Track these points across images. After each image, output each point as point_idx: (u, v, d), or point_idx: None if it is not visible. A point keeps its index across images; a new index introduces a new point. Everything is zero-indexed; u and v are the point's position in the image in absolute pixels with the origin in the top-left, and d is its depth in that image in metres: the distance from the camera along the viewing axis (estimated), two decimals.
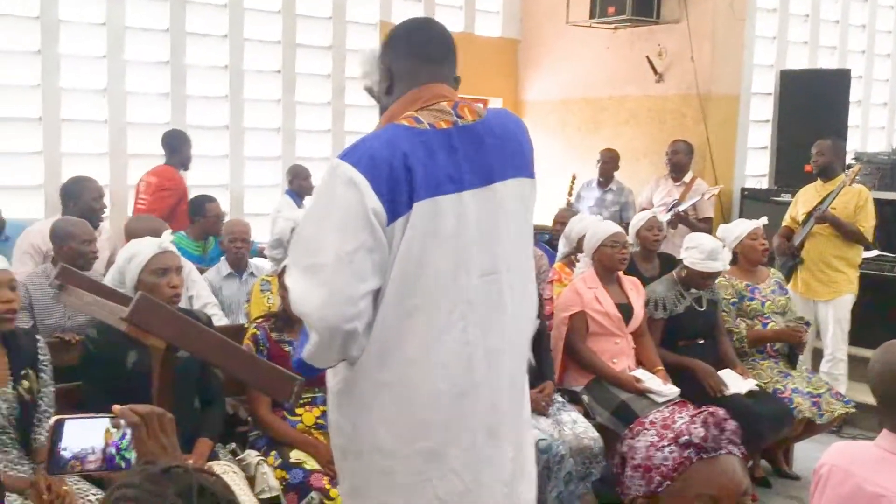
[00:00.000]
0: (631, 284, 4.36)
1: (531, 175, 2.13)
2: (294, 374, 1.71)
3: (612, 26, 7.84)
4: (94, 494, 2.81)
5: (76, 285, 1.71)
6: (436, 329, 1.99)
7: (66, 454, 1.42)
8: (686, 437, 1.46)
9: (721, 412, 1.48)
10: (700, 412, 1.49)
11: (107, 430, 1.43)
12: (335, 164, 1.96)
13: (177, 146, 6.38)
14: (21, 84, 6.46)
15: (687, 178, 6.75)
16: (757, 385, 4.34)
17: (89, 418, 1.46)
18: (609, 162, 7.10)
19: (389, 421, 2.02)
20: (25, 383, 2.85)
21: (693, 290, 4.43)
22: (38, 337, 3.03)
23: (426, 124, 2.01)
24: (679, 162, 6.75)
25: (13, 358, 2.85)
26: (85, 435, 1.43)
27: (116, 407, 1.39)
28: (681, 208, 6.47)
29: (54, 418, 1.44)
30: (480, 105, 2.16)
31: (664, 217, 6.06)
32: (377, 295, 1.96)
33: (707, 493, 1.43)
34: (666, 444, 1.47)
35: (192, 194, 6.49)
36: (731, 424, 1.47)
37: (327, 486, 3.11)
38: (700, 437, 1.45)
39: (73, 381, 3.24)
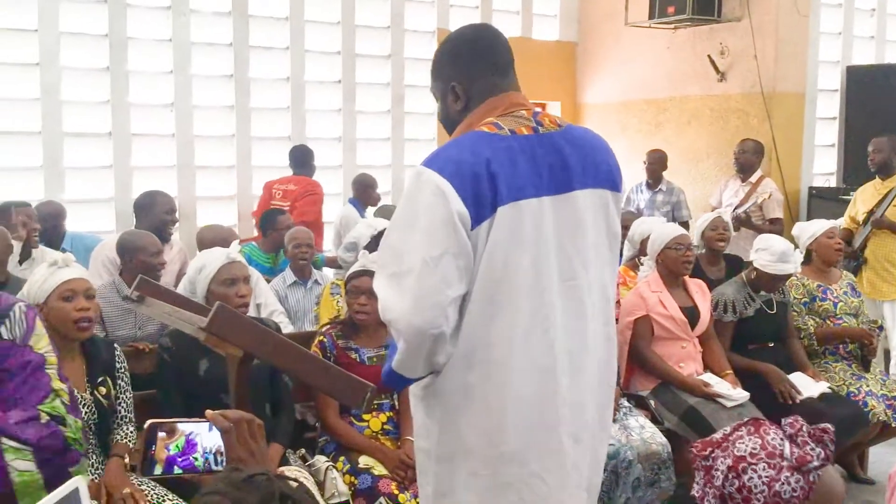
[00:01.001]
0: (696, 287, 4.30)
1: (615, 188, 2.15)
2: (366, 381, 1.73)
3: (672, 26, 7.75)
4: (171, 500, 2.88)
5: (154, 296, 1.76)
6: (520, 332, 2.00)
7: (159, 458, 1.47)
8: (810, 461, 1.42)
9: (826, 426, 1.45)
10: (799, 429, 1.45)
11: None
12: (419, 170, 1.99)
13: (304, 160, 6.82)
14: (92, 100, 6.66)
15: (753, 178, 6.64)
16: (829, 388, 4.25)
17: (183, 422, 1.50)
18: (655, 163, 7.04)
19: (475, 423, 2.04)
20: (103, 389, 2.94)
21: (763, 293, 4.35)
22: (115, 345, 3.12)
23: (507, 130, 2.05)
24: (747, 161, 6.64)
25: (91, 365, 2.95)
26: (199, 439, 1.48)
27: (209, 412, 1.42)
28: (742, 209, 6.36)
29: (148, 422, 1.48)
30: (562, 120, 2.18)
31: (726, 217, 5.97)
32: (463, 299, 1.98)
33: None
34: (788, 474, 1.44)
35: (255, 205, 6.63)
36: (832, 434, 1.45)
37: (395, 492, 3.13)
38: (822, 457, 1.42)
39: (148, 389, 3.32)
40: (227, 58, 7.13)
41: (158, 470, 1.48)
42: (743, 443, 1.51)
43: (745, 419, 1.56)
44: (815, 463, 1.42)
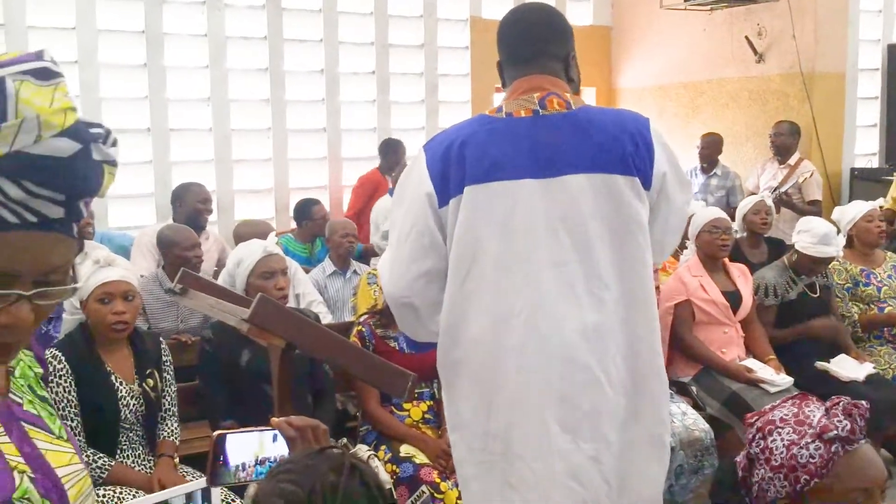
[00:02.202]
0: (738, 271, 4.26)
1: (628, 172, 2.02)
2: (407, 370, 1.74)
3: (708, 8, 7.64)
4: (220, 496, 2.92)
5: (197, 288, 1.78)
6: (501, 313, 1.99)
7: (227, 467, 1.50)
8: (832, 431, 1.41)
9: (860, 402, 1.43)
10: (836, 403, 1.44)
11: (262, 443, 1.51)
12: (418, 152, 2.13)
13: (388, 152, 6.90)
14: (130, 97, 6.74)
15: (792, 161, 6.54)
16: (875, 369, 4.18)
17: (248, 432, 1.54)
18: (709, 146, 6.93)
19: (466, 397, 2.07)
20: (150, 382, 2.98)
21: (805, 276, 4.29)
22: (161, 339, 3.17)
23: (504, 113, 2.07)
24: (783, 143, 6.54)
25: (139, 358, 3.00)
26: (244, 448, 1.50)
27: (275, 420, 1.48)
28: (782, 190, 6.27)
29: (216, 433, 1.52)
30: (578, 100, 2.11)
31: (769, 201, 5.89)
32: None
33: (859, 487, 1.38)
34: (809, 440, 1.42)
35: (293, 197, 6.68)
36: (868, 413, 1.42)
37: (437, 480, 3.15)
38: (847, 429, 1.40)
39: (191, 381, 3.37)
40: (261, 51, 7.17)
41: (227, 479, 1.51)
42: (781, 410, 1.50)
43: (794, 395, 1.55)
44: (838, 433, 1.40)
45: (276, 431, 1.47)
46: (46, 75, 0.97)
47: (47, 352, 2.85)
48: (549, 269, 1.99)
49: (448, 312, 2.05)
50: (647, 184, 2.05)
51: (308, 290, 4.73)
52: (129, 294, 2.92)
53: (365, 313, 3.70)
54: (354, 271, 5.08)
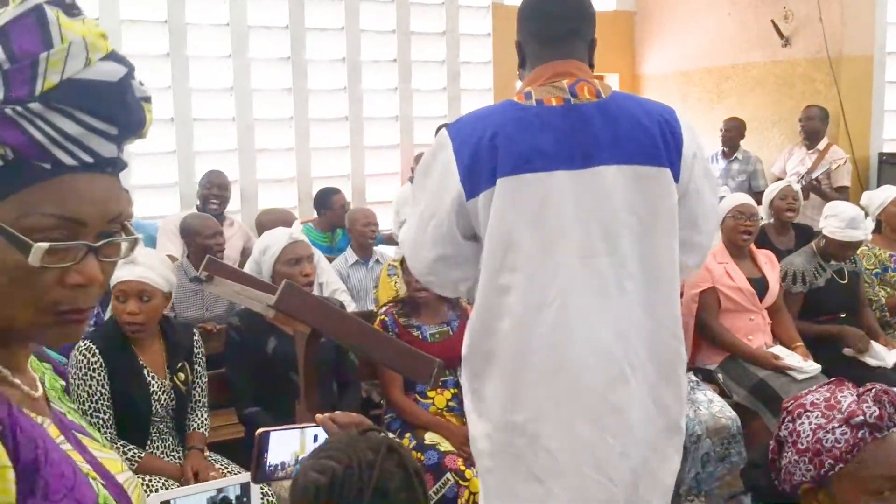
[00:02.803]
0: (765, 258, 4.21)
1: (659, 163, 2.00)
2: (433, 357, 1.74)
3: None
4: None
5: (222, 275, 1.78)
6: (532, 306, 1.98)
7: (271, 464, 1.51)
8: (860, 416, 1.39)
9: (892, 389, 1.41)
10: (868, 390, 1.42)
11: (304, 443, 1.53)
12: (441, 133, 2.10)
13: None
14: (154, 86, 6.76)
15: (821, 146, 6.45)
16: None
17: (292, 429, 1.56)
18: (732, 130, 6.86)
19: (493, 388, 2.05)
20: (182, 375, 2.99)
21: (833, 262, 4.24)
22: (194, 329, 3.17)
23: (534, 101, 2.01)
24: (813, 128, 6.45)
25: (171, 351, 3.00)
26: (287, 445, 1.52)
27: (319, 416, 1.50)
28: (813, 176, 6.19)
29: (260, 431, 1.54)
30: (607, 86, 2.08)
31: (797, 186, 5.82)
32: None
33: (885, 474, 1.36)
34: (836, 425, 1.40)
35: (316, 186, 6.68)
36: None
37: (462, 468, 3.15)
38: (875, 415, 1.38)
39: (216, 369, 3.39)
40: (283, 40, 7.18)
41: (269, 476, 1.54)
42: (814, 394, 1.48)
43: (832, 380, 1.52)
44: (866, 419, 1.37)
45: (319, 430, 1.48)
46: (73, 10, 0.91)
47: (79, 343, 2.88)
48: (579, 261, 1.98)
49: (481, 304, 2.03)
50: (676, 175, 2.03)
51: (332, 278, 4.74)
52: (145, 295, 2.87)
53: (388, 302, 3.70)
54: (377, 260, 5.08)
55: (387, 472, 1.27)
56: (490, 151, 1.97)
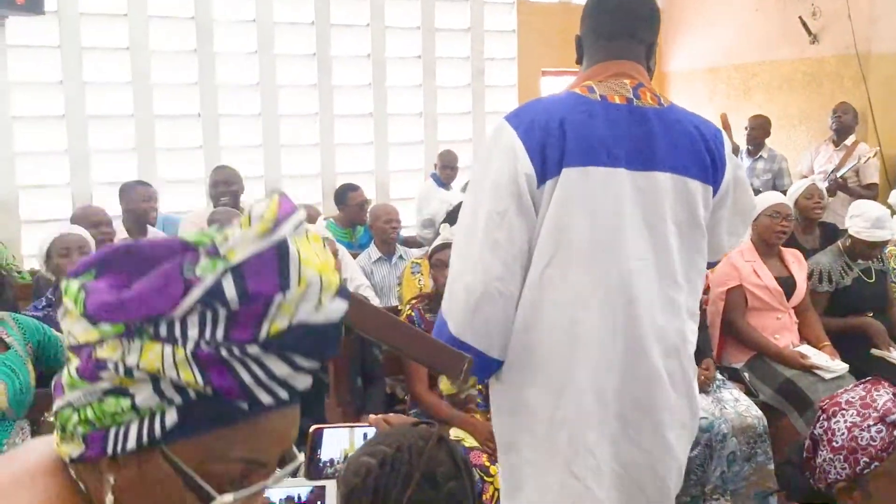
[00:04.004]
0: (792, 257, 4.17)
1: (707, 181, 2.04)
2: (463, 352, 1.73)
3: None
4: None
5: None
6: (580, 301, 1.96)
7: (323, 460, 1.54)
8: (895, 415, 1.38)
9: None
10: None
11: (353, 441, 1.56)
12: (499, 124, 1.99)
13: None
14: (181, 83, 6.82)
15: (848, 142, 6.38)
16: None
17: (344, 427, 1.59)
18: (757, 129, 6.80)
19: (533, 383, 2.03)
20: None
21: (860, 261, 4.20)
22: None
23: (598, 95, 2.01)
24: (846, 124, 6.38)
25: None
26: (338, 443, 1.54)
27: (372, 417, 1.52)
28: (840, 173, 6.13)
29: (313, 427, 1.57)
30: (665, 97, 2.11)
31: (823, 184, 5.76)
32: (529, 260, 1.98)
33: None
34: (871, 423, 1.40)
35: (340, 182, 6.71)
36: None
37: (486, 464, 3.14)
38: None
39: None
40: (309, 36, 7.21)
41: (321, 473, 1.55)
42: (850, 393, 1.48)
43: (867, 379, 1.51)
44: None
45: (370, 430, 1.50)
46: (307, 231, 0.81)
47: None
48: (629, 263, 1.97)
49: (526, 295, 1.99)
50: (715, 193, 2.08)
51: (355, 274, 4.75)
52: None
53: (413, 298, 3.70)
54: (400, 256, 5.09)
55: (436, 460, 1.29)
56: (559, 137, 1.93)
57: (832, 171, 6.20)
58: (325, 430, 1.56)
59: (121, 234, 4.92)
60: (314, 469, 1.55)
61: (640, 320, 1.98)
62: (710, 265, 2.27)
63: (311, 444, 1.54)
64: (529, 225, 1.95)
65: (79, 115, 6.42)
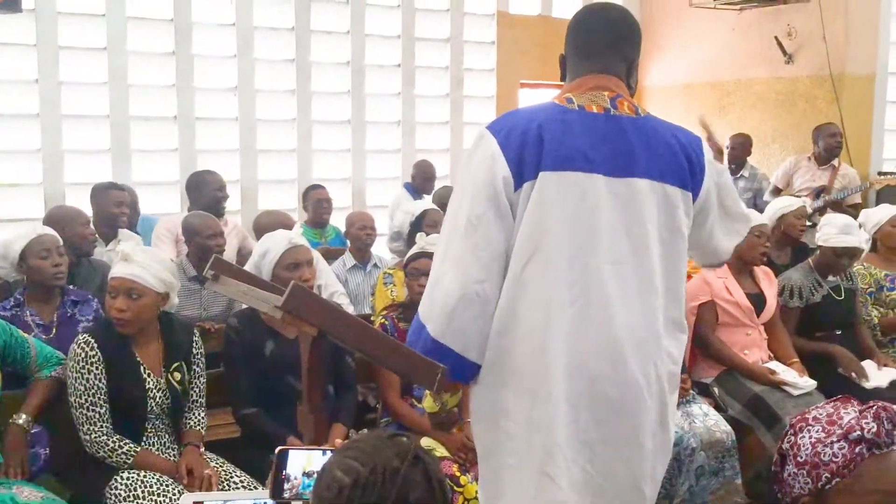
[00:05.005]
0: (763, 274, 4.22)
1: (685, 188, 2.08)
2: (437, 362, 1.74)
3: (738, 7, 7.60)
4: (239, 476, 2.94)
5: (228, 275, 1.79)
6: (556, 303, 1.99)
7: (289, 481, 1.54)
8: (857, 432, 1.40)
9: (892, 406, 1.42)
10: (870, 406, 1.43)
11: (311, 458, 1.56)
12: (480, 132, 2.07)
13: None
14: (158, 84, 6.78)
15: (835, 163, 6.46)
16: None
17: (310, 450, 1.60)
18: (738, 147, 6.87)
19: (509, 385, 2.05)
20: (177, 375, 2.99)
21: (831, 279, 4.26)
22: (194, 330, 3.17)
23: (576, 105, 2.06)
24: (837, 146, 6.44)
25: (168, 349, 3.00)
26: (306, 464, 1.56)
27: (338, 441, 1.54)
28: (840, 198, 6.21)
29: (279, 449, 1.58)
30: (643, 108, 2.15)
31: (815, 204, 5.85)
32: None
33: (881, 489, 1.37)
34: (835, 440, 1.42)
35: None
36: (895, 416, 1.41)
37: (457, 474, 3.14)
38: (873, 432, 1.39)
39: (215, 368, 3.39)
40: (288, 42, 7.20)
41: (286, 493, 1.57)
42: (819, 410, 1.50)
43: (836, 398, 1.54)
44: (863, 435, 1.39)
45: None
46: None
47: (79, 337, 2.88)
48: (607, 267, 2.01)
49: (504, 298, 2.02)
50: (695, 199, 2.12)
51: (330, 280, 4.73)
52: (134, 292, 2.85)
53: (388, 306, 3.70)
54: (375, 264, 5.08)
55: (410, 482, 1.27)
56: (536, 143, 1.98)
57: (820, 192, 6.27)
58: (290, 452, 1.57)
59: None
60: (279, 490, 1.55)
61: (614, 323, 2.00)
62: (711, 266, 2.35)
63: (277, 464, 1.55)
64: (507, 228, 2.00)
65: (53, 114, 6.37)
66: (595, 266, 2.00)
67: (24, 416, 2.86)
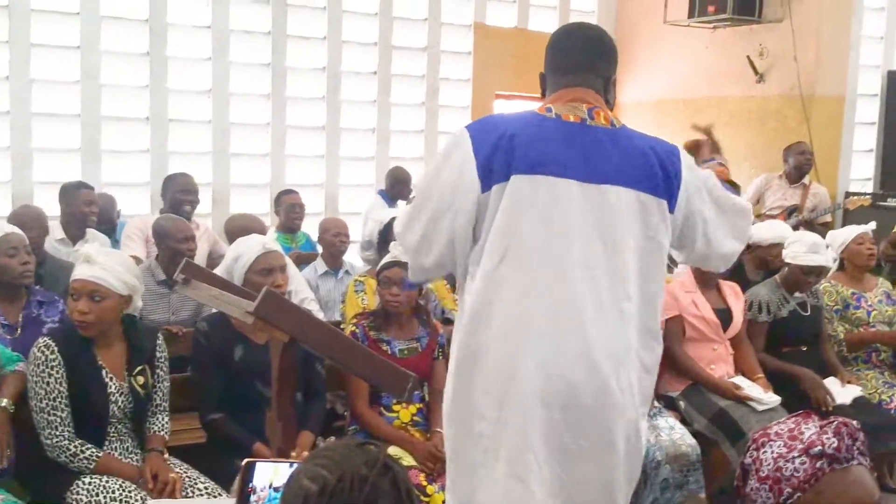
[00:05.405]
0: (730, 290, 4.27)
1: (660, 195, 2.11)
2: (407, 371, 1.75)
3: (712, 25, 7.69)
4: (203, 482, 2.91)
5: (199, 279, 1.78)
6: (528, 304, 2.03)
7: (255, 493, 1.54)
8: (818, 447, 1.42)
9: (851, 421, 1.45)
10: (830, 422, 1.46)
11: (278, 470, 1.56)
12: (458, 130, 2.16)
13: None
14: (131, 85, 6.72)
15: (806, 181, 6.56)
16: (861, 392, 4.21)
17: (277, 462, 1.61)
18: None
19: (480, 384, 2.07)
20: (140, 378, 2.95)
21: (797, 295, 4.32)
22: (159, 334, 3.14)
23: (553, 114, 2.13)
24: (808, 165, 6.55)
25: (131, 353, 2.97)
26: (273, 477, 1.56)
27: (305, 454, 1.51)
28: (814, 218, 6.31)
29: (245, 461, 1.58)
30: (619, 120, 2.21)
31: (788, 222, 5.95)
32: (476, 261, 2.09)
33: None
34: (796, 455, 1.44)
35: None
36: (861, 434, 1.43)
37: (423, 483, 3.14)
38: (833, 447, 1.42)
39: (181, 372, 3.36)
40: (264, 46, 7.18)
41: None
42: (781, 425, 1.52)
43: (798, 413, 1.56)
44: (824, 450, 1.41)
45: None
46: None
47: (39, 340, 2.84)
48: (579, 270, 2.04)
49: (476, 297, 2.07)
50: (672, 207, 2.14)
51: (301, 286, 4.71)
52: (97, 295, 2.82)
53: (359, 314, 3.69)
54: (346, 271, 5.07)
55: (378, 490, 1.27)
56: (508, 149, 2.05)
57: (792, 211, 6.36)
58: (257, 464, 1.56)
59: (57, 235, 4.82)
60: (244, 501, 1.55)
61: (586, 326, 2.03)
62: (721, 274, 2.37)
63: (244, 477, 1.54)
64: (468, 222, 2.08)
65: (24, 111, 6.29)
66: (567, 269, 2.04)
67: (5, 400, 2.82)
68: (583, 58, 2.20)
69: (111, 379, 2.88)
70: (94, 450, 2.82)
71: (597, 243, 2.06)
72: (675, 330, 4.08)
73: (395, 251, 3.56)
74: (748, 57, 7.51)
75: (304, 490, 1.29)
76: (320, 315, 4.61)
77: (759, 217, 6.54)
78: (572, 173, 2.06)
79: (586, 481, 2.07)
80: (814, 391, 4.09)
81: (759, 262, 4.86)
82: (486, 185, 2.05)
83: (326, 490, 1.27)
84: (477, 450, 2.09)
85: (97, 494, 2.73)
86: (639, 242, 2.10)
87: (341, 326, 3.80)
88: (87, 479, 2.76)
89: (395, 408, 3.41)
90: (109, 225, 5.47)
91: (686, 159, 2.22)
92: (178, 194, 5.14)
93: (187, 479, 2.89)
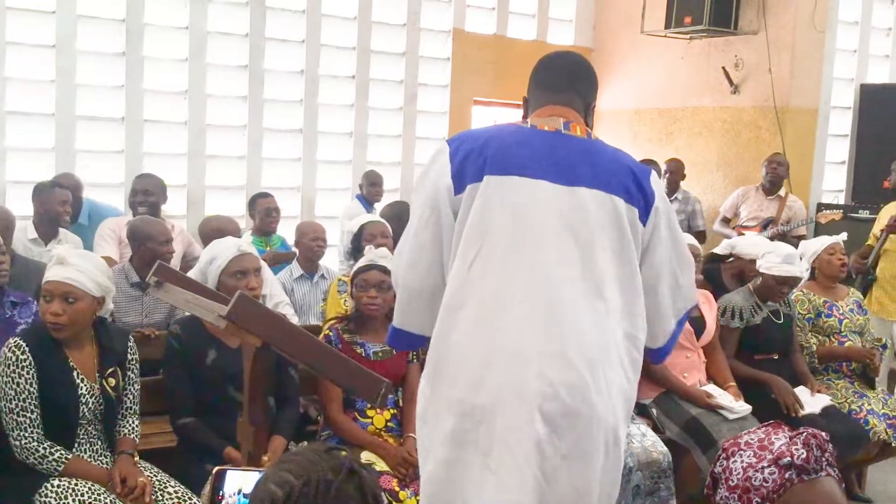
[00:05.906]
0: (703, 298, 4.30)
1: (631, 203, 2.15)
2: (381, 376, 1.75)
3: (688, 36, 7.76)
4: (173, 486, 2.89)
5: (172, 282, 1.77)
6: (503, 299, 2.06)
7: (224, 499, 1.54)
8: (787, 458, 1.44)
9: (820, 432, 1.46)
10: (800, 433, 1.47)
11: (247, 478, 1.57)
12: (440, 145, 2.25)
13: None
14: (106, 85, 6.67)
15: (782, 192, 6.63)
16: (831, 401, 4.26)
17: (248, 471, 1.63)
18: (675, 172, 7.04)
19: (453, 379, 2.09)
20: (112, 381, 2.93)
21: (770, 304, 4.36)
22: (130, 336, 3.11)
23: (529, 124, 2.22)
24: (782, 175, 6.62)
25: (102, 355, 2.94)
26: (243, 484, 1.55)
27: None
28: (788, 230, 6.38)
29: (216, 469, 1.60)
30: (594, 134, 2.27)
31: (763, 234, 6.01)
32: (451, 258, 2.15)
33: None
34: (765, 465, 1.45)
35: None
36: (831, 446, 1.45)
37: (396, 489, 3.13)
38: (803, 458, 1.43)
39: (153, 375, 3.34)
40: (242, 48, 7.15)
41: None
42: (751, 434, 1.54)
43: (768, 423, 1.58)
44: (793, 461, 1.43)
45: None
46: None
47: (10, 341, 2.81)
48: (554, 268, 2.08)
49: (452, 294, 2.12)
50: (643, 219, 2.18)
51: (276, 290, 4.69)
52: (71, 296, 2.80)
53: (333, 318, 3.68)
54: (322, 276, 5.05)
55: (344, 495, 1.27)
56: (481, 153, 2.13)
57: (768, 223, 6.43)
58: (227, 472, 1.57)
59: (30, 234, 4.78)
60: None
61: (563, 326, 2.05)
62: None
63: (214, 485, 1.55)
64: (447, 234, 2.14)
65: None
66: (541, 266, 2.07)
67: None
68: (564, 79, 2.30)
69: (82, 380, 2.85)
70: (63, 452, 2.80)
71: (571, 244, 2.09)
72: None
73: (371, 255, 3.55)
74: (724, 68, 7.58)
75: (270, 495, 1.29)
76: (294, 319, 4.60)
77: (735, 229, 6.61)
78: (546, 175, 2.12)
79: (563, 487, 2.06)
80: (783, 396, 4.13)
81: (736, 273, 4.91)
82: (459, 186, 2.13)
83: (292, 495, 1.28)
84: (451, 445, 2.09)
85: (66, 497, 2.70)
86: (615, 246, 2.13)
87: (319, 328, 3.79)
88: (55, 482, 2.73)
89: (370, 413, 3.40)
90: (76, 207, 5.38)
91: (659, 185, 2.27)
92: (131, 197, 5.12)
93: (157, 483, 2.87)
